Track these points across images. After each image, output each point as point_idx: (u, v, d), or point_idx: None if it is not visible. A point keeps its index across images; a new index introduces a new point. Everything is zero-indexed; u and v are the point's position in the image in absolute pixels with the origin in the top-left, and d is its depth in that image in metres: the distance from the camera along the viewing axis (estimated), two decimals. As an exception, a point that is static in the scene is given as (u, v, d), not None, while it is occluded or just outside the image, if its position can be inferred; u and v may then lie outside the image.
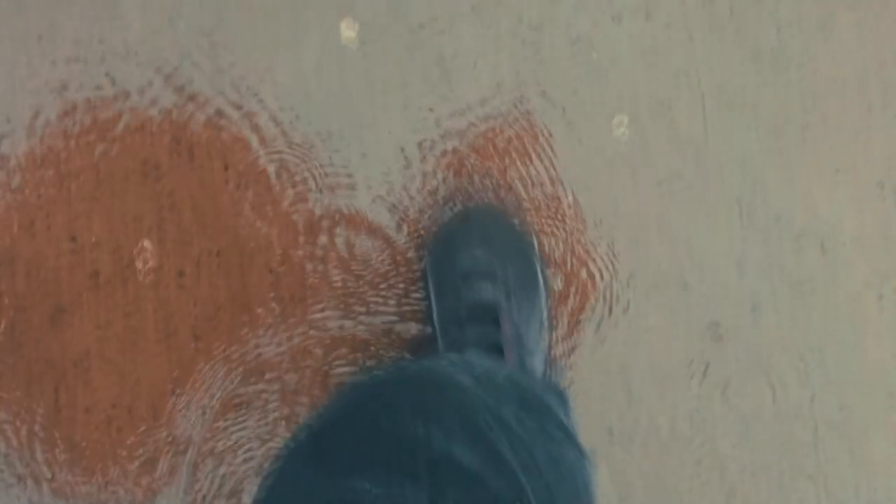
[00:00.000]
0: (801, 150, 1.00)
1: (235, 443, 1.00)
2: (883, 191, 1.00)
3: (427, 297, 0.98)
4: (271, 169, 1.00)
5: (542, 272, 0.98)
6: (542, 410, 0.68)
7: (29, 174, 1.00)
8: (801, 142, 1.00)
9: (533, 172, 1.00)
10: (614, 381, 1.02)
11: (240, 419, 1.01)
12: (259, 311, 1.00)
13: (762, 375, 1.02)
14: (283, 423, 1.01)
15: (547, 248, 1.00)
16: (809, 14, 0.98)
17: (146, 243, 1.01)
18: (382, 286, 1.00)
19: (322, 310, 1.00)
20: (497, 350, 0.88)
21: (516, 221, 0.98)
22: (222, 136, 0.99)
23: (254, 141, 1.00)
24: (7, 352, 1.01)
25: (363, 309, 1.00)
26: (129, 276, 1.01)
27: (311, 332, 1.00)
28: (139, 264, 1.01)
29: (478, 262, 0.92)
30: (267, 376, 1.01)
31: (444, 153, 1.00)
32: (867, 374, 1.02)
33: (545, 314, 0.97)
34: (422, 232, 1.00)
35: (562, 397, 0.86)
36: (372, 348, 0.99)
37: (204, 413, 1.00)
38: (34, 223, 1.00)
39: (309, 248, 1.00)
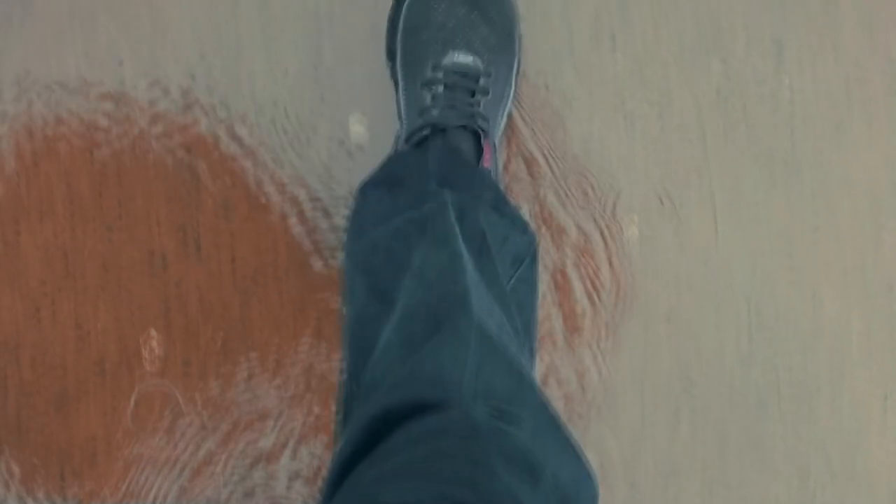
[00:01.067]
0: (810, 250, 0.99)
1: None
2: (891, 293, 1.00)
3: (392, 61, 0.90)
4: (279, 257, 0.99)
5: (520, 37, 0.91)
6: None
7: (34, 260, 0.99)
8: (811, 242, 0.99)
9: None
10: (618, 474, 1.02)
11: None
12: (266, 401, 1.00)
13: (765, 473, 1.02)
14: None
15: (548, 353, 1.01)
16: (824, 116, 0.97)
17: (153, 332, 1.00)
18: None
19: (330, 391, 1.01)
20: (472, 132, 0.82)
21: None
22: (229, 226, 0.99)
23: (267, 229, 0.99)
24: (13, 437, 1.01)
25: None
26: (136, 365, 1.01)
27: (318, 420, 1.01)
28: (145, 353, 1.01)
29: (459, 22, 0.85)
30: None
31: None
32: (870, 474, 1.02)
33: (513, 86, 0.91)
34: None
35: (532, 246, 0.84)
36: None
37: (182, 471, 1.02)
38: (39, 310, 1.00)
39: (316, 341, 1.00)
